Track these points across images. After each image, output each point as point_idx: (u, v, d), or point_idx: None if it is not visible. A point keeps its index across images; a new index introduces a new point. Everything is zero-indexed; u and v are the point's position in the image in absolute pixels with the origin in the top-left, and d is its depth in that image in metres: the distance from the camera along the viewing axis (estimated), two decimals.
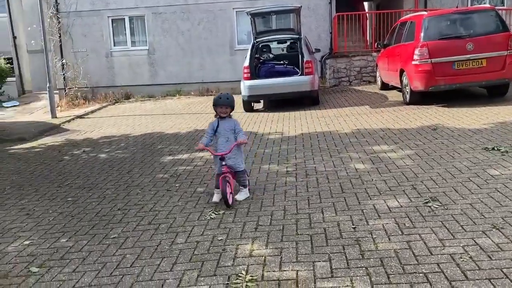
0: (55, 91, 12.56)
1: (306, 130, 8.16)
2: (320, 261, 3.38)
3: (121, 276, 3.45)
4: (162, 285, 3.26)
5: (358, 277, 3.11)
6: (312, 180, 5.32)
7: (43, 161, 7.57)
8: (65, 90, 14.48)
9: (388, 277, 3.06)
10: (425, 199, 4.38)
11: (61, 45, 14.64)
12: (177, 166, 6.47)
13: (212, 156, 5.12)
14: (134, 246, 3.97)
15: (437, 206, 4.19)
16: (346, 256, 3.42)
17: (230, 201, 4.57)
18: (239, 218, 4.32)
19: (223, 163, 4.64)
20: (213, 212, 4.54)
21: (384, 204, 4.38)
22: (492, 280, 2.90)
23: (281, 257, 3.51)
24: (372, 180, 5.13)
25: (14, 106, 14.88)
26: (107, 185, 5.85)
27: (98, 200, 5.28)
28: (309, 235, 3.85)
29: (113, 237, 4.19)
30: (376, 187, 4.88)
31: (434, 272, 3.06)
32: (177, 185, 5.60)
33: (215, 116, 4.86)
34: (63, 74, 14.55)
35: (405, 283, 2.97)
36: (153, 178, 5.97)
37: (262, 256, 3.55)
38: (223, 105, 4.71)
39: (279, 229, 4.04)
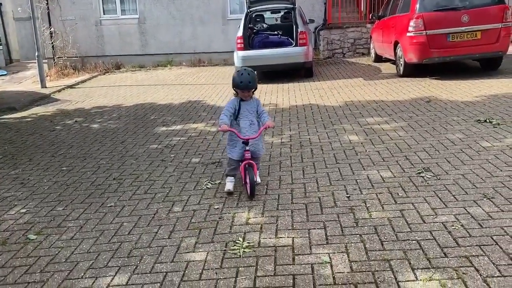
0: (43, 61, 12.30)
1: (300, 102, 8.15)
2: (315, 229, 3.45)
3: (120, 243, 3.49)
4: (161, 251, 3.31)
5: (352, 244, 3.18)
6: (307, 151, 5.36)
7: (35, 131, 7.50)
8: (54, 60, 14.19)
9: (382, 244, 3.14)
10: (418, 170, 4.45)
11: (48, 13, 14.25)
12: (171, 137, 6.46)
13: (223, 136, 4.41)
14: (131, 214, 4.00)
15: (429, 177, 4.26)
16: (340, 224, 3.49)
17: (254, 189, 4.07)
18: (235, 188, 4.37)
19: (247, 147, 4.10)
20: (209, 182, 4.57)
21: (378, 175, 4.44)
22: (482, 247, 2.99)
23: (277, 225, 3.57)
24: (366, 151, 5.19)
25: (2, 75, 14.59)
26: (101, 155, 5.84)
27: (93, 170, 5.28)
28: (304, 204, 3.91)
29: (110, 206, 4.21)
30: (370, 158, 4.93)
31: (426, 239, 3.15)
32: (172, 155, 5.61)
33: (235, 95, 4.27)
34: (52, 43, 14.23)
35: (398, 250, 3.05)
36: (147, 149, 5.97)
37: (259, 224, 3.61)
38: (245, 89, 4.10)
39: (275, 198, 4.09)
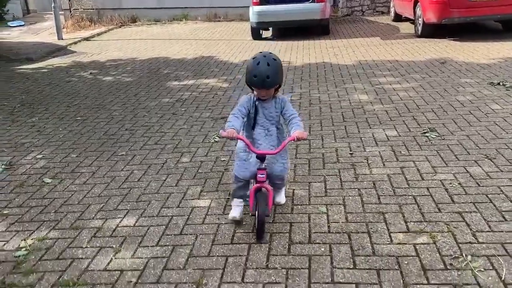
0: (60, 12, 12.31)
1: (314, 60, 8.10)
2: (315, 182, 3.56)
3: (129, 189, 3.68)
4: (168, 198, 3.48)
5: (350, 197, 3.30)
6: (315, 109, 5.41)
7: (51, 81, 7.66)
8: (71, 11, 14.18)
9: (379, 198, 3.25)
10: (423, 130, 4.49)
11: None
12: (183, 91, 6.55)
13: (238, 143, 3.03)
14: (141, 163, 4.17)
15: (434, 136, 4.30)
16: (340, 179, 3.60)
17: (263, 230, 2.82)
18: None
19: (263, 165, 2.82)
20: (217, 136, 4.69)
21: (383, 133, 4.49)
22: (476, 204, 3.08)
23: None
24: (374, 110, 5.21)
25: (20, 26, 14.68)
26: (114, 107, 5.98)
27: (106, 120, 5.44)
28: (307, 159, 4.01)
29: (121, 155, 4.38)
30: (377, 117, 4.97)
31: (422, 195, 3.24)
32: (182, 109, 5.72)
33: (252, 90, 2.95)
34: None
35: (394, 204, 3.16)
36: (159, 102, 6.08)
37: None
38: (261, 88, 2.82)
39: None
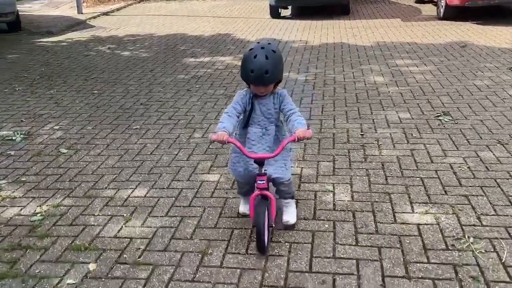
0: None
1: (332, 40, 8.02)
2: (324, 161, 3.59)
3: (142, 161, 3.77)
4: (178, 171, 3.56)
5: (357, 177, 3.32)
6: (329, 90, 5.39)
7: (70, 55, 7.77)
8: None
9: (386, 179, 3.27)
10: (437, 113, 4.45)
11: None
12: (199, 68, 6.58)
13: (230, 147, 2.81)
14: (155, 137, 4.25)
15: (447, 120, 4.26)
16: (349, 159, 3.62)
17: (266, 242, 2.51)
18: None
19: (263, 170, 2.52)
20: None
21: (396, 115, 4.47)
22: (483, 188, 3.07)
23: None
24: (389, 92, 5.17)
25: None
26: (130, 82, 6.06)
27: (122, 95, 5.53)
28: (318, 138, 4.03)
29: (135, 128, 4.47)
30: (391, 99, 4.94)
31: (430, 178, 3.25)
32: (197, 86, 5.76)
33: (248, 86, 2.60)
34: None
35: (401, 185, 3.17)
36: (175, 78, 6.13)
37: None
38: (259, 85, 2.50)
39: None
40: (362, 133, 4.11)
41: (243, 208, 2.88)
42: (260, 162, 2.48)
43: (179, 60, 7.08)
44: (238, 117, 2.58)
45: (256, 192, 2.52)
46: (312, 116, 4.58)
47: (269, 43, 2.50)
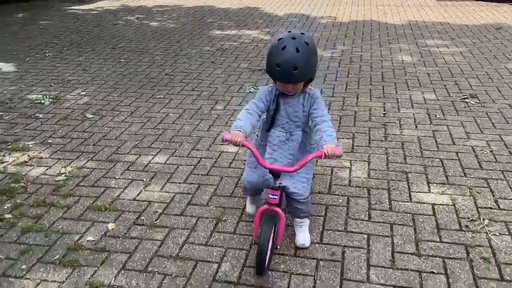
0: None
1: (361, 18, 7.85)
2: (343, 138, 3.59)
3: (164, 130, 3.84)
4: (199, 141, 3.62)
5: (376, 155, 3.31)
6: (355, 67, 5.32)
7: (100, 23, 7.87)
8: None
9: (405, 158, 3.25)
10: (464, 95, 4.35)
11: None
12: (224, 41, 6.57)
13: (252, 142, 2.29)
14: (177, 107, 4.31)
15: (474, 103, 4.16)
16: (369, 137, 3.60)
17: (267, 263, 2.15)
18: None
19: (277, 183, 2.14)
20: (252, 87, 4.74)
21: (421, 96, 4.39)
22: (504, 172, 3.02)
23: None
24: (416, 72, 5.07)
25: None
26: (157, 52, 6.12)
27: (148, 64, 5.59)
28: (339, 115, 4.01)
29: (159, 97, 4.54)
30: (418, 79, 4.84)
31: (450, 159, 3.21)
32: (222, 58, 5.77)
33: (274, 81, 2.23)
34: None
35: (419, 165, 3.15)
36: (200, 50, 6.16)
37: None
38: (286, 83, 2.12)
39: None
40: (384, 112, 4.06)
41: (251, 208, 2.55)
42: (276, 173, 2.09)
43: (205, 32, 7.09)
44: (259, 116, 2.20)
45: (265, 206, 2.12)
46: (335, 93, 4.55)
47: (302, 33, 2.09)
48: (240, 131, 2.05)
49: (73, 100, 4.53)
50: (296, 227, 2.41)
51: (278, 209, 2.12)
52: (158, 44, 6.50)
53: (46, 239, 2.51)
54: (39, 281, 2.22)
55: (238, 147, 2.46)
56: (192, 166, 3.24)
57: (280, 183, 2.14)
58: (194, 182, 3.04)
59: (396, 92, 4.52)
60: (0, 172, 3.22)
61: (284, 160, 2.25)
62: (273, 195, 2.11)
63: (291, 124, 2.25)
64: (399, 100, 4.32)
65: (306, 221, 2.41)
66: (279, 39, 2.06)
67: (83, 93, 4.70)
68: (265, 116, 2.31)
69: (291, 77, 2.05)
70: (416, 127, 3.74)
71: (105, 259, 2.34)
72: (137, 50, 6.19)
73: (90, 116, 4.14)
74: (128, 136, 3.73)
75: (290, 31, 2.12)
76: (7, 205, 2.82)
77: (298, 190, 2.23)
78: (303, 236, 2.37)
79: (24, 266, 2.31)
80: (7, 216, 2.71)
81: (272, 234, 2.10)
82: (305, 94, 2.21)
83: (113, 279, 2.22)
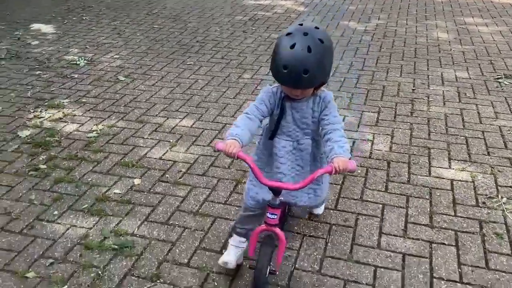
0: None
1: None
2: (369, 112, 3.59)
3: (192, 95, 3.94)
4: (225, 108, 3.70)
5: (400, 129, 3.31)
6: (388, 42, 5.23)
7: None
8: None
9: (429, 134, 3.23)
10: (498, 75, 4.23)
11: None
12: (257, 11, 6.55)
13: (257, 144, 2.14)
14: (206, 74, 4.39)
15: (507, 83, 4.05)
16: (395, 112, 3.58)
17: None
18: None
19: (277, 200, 1.80)
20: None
21: (453, 74, 4.30)
22: None
23: None
24: (451, 50, 4.94)
25: None
26: (189, 19, 6.18)
27: (180, 31, 5.67)
28: (367, 89, 4.00)
29: (189, 64, 4.63)
30: (452, 57, 4.72)
31: (475, 138, 3.17)
32: (253, 28, 5.78)
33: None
34: None
35: (443, 141, 3.13)
36: (232, 19, 6.17)
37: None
38: (293, 88, 1.80)
39: (340, 80, 4.20)
40: (413, 88, 4.02)
41: (229, 257, 2.01)
42: (277, 191, 1.76)
43: (239, 1, 7.07)
44: (260, 121, 1.88)
45: (263, 226, 1.81)
46: (365, 66, 4.51)
47: (316, 27, 1.74)
48: (235, 139, 1.73)
49: (107, 62, 4.67)
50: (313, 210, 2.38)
51: (277, 230, 1.80)
52: (191, 11, 6.55)
53: (77, 189, 2.68)
54: (69, 226, 2.39)
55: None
56: (217, 131, 3.33)
57: (281, 199, 1.80)
58: None
59: (428, 69, 4.44)
60: (36, 126, 3.41)
61: (292, 173, 1.95)
62: (272, 214, 1.78)
63: (298, 131, 1.92)
64: (430, 77, 4.25)
65: (322, 205, 2.38)
66: (288, 34, 1.71)
67: (117, 56, 4.84)
68: (267, 122, 2.00)
69: (300, 82, 1.70)
70: (444, 104, 3.69)
71: (129, 211, 2.49)
72: (171, 17, 6.27)
73: (122, 78, 4.28)
74: (158, 100, 3.85)
75: (301, 24, 1.77)
76: (42, 156, 3.01)
77: (303, 203, 2.01)
78: (318, 209, 2.39)
79: (56, 212, 2.49)
80: (42, 166, 2.89)
81: (270, 259, 1.82)
82: (316, 97, 1.86)
83: (136, 228, 2.36)
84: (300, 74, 1.66)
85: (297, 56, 1.65)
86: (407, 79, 4.21)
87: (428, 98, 3.81)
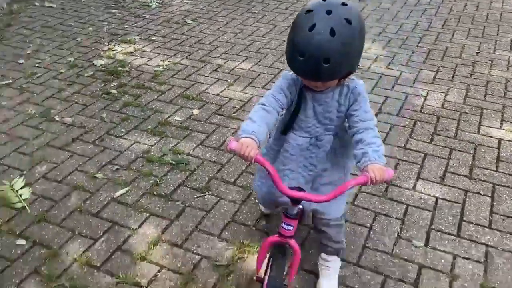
0: None
1: None
2: (427, 70, 3.57)
3: (253, 41, 4.09)
4: (282, 55, 3.82)
5: (456, 89, 3.29)
6: (459, 5, 5.03)
7: None
8: None
9: (485, 96, 3.19)
10: None
11: None
12: None
13: (270, 138, 1.77)
14: (269, 23, 4.50)
15: None
16: (454, 72, 3.54)
17: None
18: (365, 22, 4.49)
19: (295, 210, 1.51)
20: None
21: None
22: None
23: (392, 59, 3.76)
24: None
25: None
26: None
27: None
28: (428, 49, 3.94)
29: (253, 12, 4.75)
30: None
31: None
32: None
33: None
34: None
35: (498, 104, 3.08)
36: None
37: (375, 55, 3.83)
38: (312, 80, 1.41)
39: (402, 38, 4.16)
40: (478, 51, 3.91)
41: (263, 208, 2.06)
42: (296, 200, 1.44)
43: None
44: (278, 113, 1.53)
45: (275, 237, 1.55)
46: (430, 27, 4.41)
47: (343, 3, 1.34)
48: (251, 137, 1.38)
49: (176, 6, 4.90)
50: (321, 267, 1.82)
51: (292, 242, 1.54)
52: None
53: (142, 113, 2.97)
54: (133, 141, 2.69)
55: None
56: (273, 75, 3.49)
57: (300, 207, 1.54)
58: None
59: (497, 34, 4.27)
60: (110, 57, 3.73)
61: (303, 172, 1.64)
62: (287, 225, 1.52)
63: (319, 127, 1.59)
64: (497, 42, 4.10)
65: (336, 263, 1.80)
66: (307, 11, 1.33)
67: (186, 1, 5.06)
68: (283, 113, 1.64)
69: (320, 73, 1.34)
70: (508, 69, 3.58)
71: (187, 135, 2.75)
72: None
73: (190, 21, 4.50)
74: (220, 43, 4.04)
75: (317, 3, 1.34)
76: (113, 83, 3.33)
77: (324, 209, 1.65)
78: (328, 284, 1.78)
79: (123, 130, 2.80)
80: (113, 91, 3.22)
81: (283, 273, 1.57)
82: (343, 87, 1.51)
83: (192, 150, 2.62)
84: (320, 64, 1.30)
85: (317, 41, 1.28)
86: (473, 42, 4.09)
87: (492, 62, 3.71)
